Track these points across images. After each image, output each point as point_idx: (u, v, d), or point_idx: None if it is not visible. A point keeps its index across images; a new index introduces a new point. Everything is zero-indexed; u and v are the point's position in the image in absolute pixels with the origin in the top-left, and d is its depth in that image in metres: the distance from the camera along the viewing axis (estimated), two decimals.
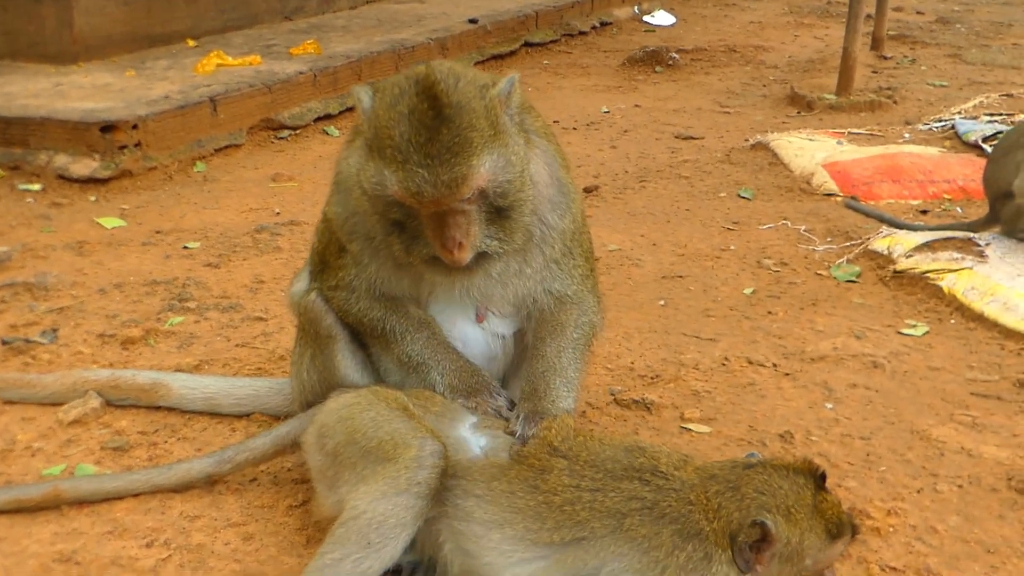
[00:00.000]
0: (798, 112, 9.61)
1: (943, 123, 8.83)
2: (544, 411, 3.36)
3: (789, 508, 2.92)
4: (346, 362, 3.70)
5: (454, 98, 3.14)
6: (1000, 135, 7.49)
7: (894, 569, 3.34)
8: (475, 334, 3.65)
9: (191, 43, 9.92)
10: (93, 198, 7.00)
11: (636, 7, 14.40)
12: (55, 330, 4.95)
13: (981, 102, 9.54)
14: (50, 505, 3.59)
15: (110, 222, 6.55)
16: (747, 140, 8.54)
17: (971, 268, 5.50)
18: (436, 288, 3.57)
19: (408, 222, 3.30)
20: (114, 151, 7.17)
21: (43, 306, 5.23)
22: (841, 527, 2.97)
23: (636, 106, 10.02)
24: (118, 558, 3.35)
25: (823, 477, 3.03)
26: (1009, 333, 5.03)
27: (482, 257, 3.35)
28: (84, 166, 7.14)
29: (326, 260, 3.69)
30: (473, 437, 3.27)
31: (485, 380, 3.53)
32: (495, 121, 3.23)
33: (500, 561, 3.01)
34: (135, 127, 7.30)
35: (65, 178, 7.15)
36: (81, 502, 3.62)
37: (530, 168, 3.40)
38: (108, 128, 7.19)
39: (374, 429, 3.14)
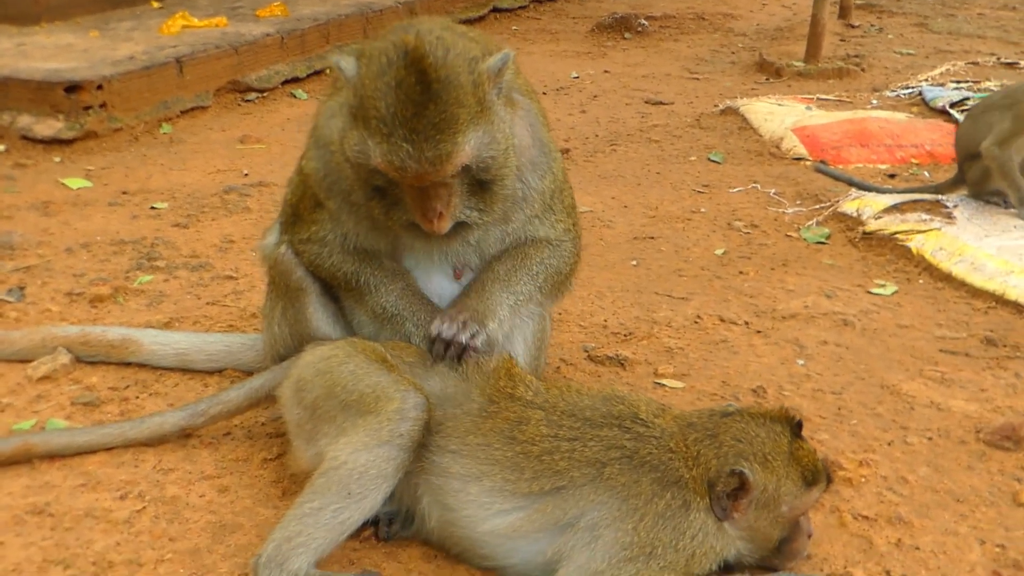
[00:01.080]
0: (767, 79, 9.64)
1: (910, 90, 8.88)
2: (465, 308, 3.36)
3: (766, 456, 2.96)
4: (317, 315, 3.69)
5: (442, 72, 3.10)
6: (969, 100, 7.56)
7: (866, 517, 3.38)
8: (452, 289, 3.63)
9: (155, 4, 9.80)
10: (58, 159, 6.92)
11: None
12: (22, 288, 4.90)
13: (948, 70, 9.60)
14: (21, 459, 3.56)
15: (75, 183, 6.48)
16: (716, 105, 8.56)
17: (939, 229, 5.55)
18: (415, 248, 3.56)
19: (389, 189, 3.28)
20: (79, 112, 7.09)
21: (9, 265, 5.17)
22: (817, 474, 3.01)
23: (605, 72, 10.02)
24: (92, 510, 3.34)
25: (799, 425, 3.06)
26: (976, 292, 5.09)
27: (461, 226, 3.35)
28: (48, 127, 7.05)
29: (299, 213, 3.66)
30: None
31: None
32: (482, 97, 3.19)
33: (479, 514, 3.02)
34: (100, 88, 7.21)
35: (29, 139, 7.07)
36: (53, 456, 3.59)
37: (514, 135, 3.37)
38: (72, 88, 7.10)
39: (354, 382, 3.12)
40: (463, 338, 3.27)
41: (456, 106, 3.11)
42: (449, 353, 3.27)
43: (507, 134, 3.29)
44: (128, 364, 4.23)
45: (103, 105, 7.24)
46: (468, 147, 3.15)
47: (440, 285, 3.62)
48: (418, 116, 3.08)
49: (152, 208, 6.10)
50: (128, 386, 4.11)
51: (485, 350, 3.34)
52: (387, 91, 3.10)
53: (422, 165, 3.10)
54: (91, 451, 3.63)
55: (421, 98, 3.08)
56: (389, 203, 3.32)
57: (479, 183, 3.28)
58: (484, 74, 3.20)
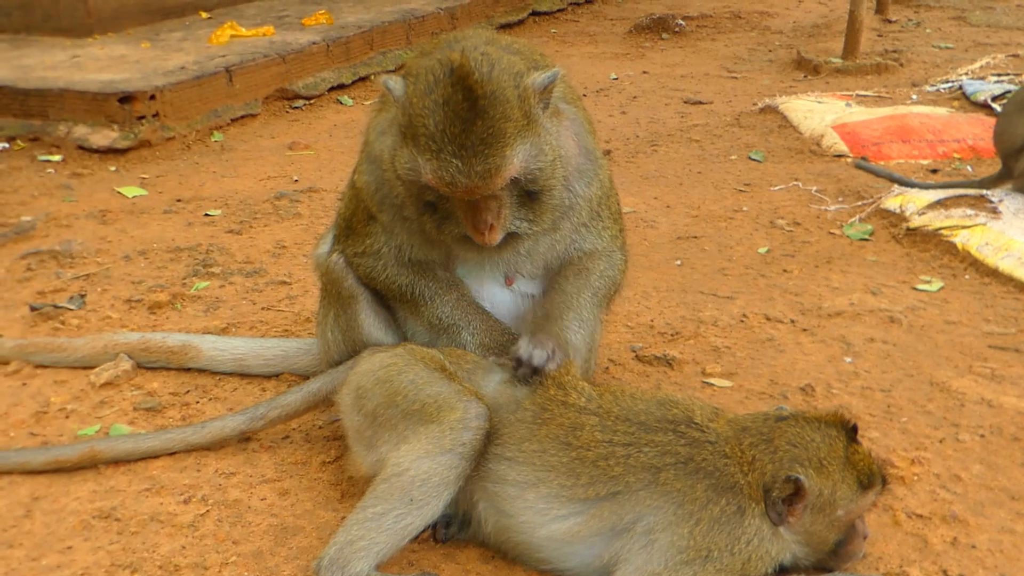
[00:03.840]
0: (805, 76, 9.64)
1: (950, 84, 8.85)
2: (552, 336, 3.39)
3: (821, 460, 2.97)
4: (369, 321, 3.76)
5: (488, 88, 3.15)
6: (1011, 93, 7.51)
7: (920, 516, 3.39)
8: (503, 296, 3.70)
9: (204, 15, 9.96)
10: (113, 168, 7.07)
11: None
12: (83, 296, 5.01)
13: (987, 63, 9.55)
14: (87, 465, 3.66)
15: (131, 191, 6.62)
16: (755, 104, 8.57)
17: (984, 224, 5.53)
18: (467, 259, 3.62)
19: (441, 204, 3.34)
20: (132, 121, 7.24)
21: (69, 273, 5.29)
22: (872, 478, 3.01)
23: (644, 73, 10.05)
24: (157, 514, 3.42)
25: (854, 429, 3.07)
26: None
27: (512, 236, 3.40)
28: (103, 136, 7.21)
29: (352, 227, 3.73)
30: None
31: (515, 337, 3.56)
32: (528, 110, 3.24)
33: (536, 520, 3.06)
34: (153, 98, 7.36)
35: (85, 148, 7.23)
36: (117, 461, 3.68)
37: (561, 145, 3.42)
38: (126, 99, 7.26)
39: (415, 392, 3.17)
40: (553, 367, 3.30)
41: (503, 120, 3.16)
42: (532, 379, 3.30)
43: (554, 145, 3.34)
44: (188, 369, 4.32)
45: (156, 115, 7.39)
46: (516, 160, 3.20)
47: (492, 292, 3.68)
48: (466, 132, 3.13)
49: (206, 215, 6.22)
50: (188, 391, 4.20)
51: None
52: (435, 109, 3.15)
53: (472, 180, 3.16)
54: (154, 456, 3.71)
55: (468, 114, 3.14)
56: (441, 217, 3.38)
57: (528, 194, 3.34)
58: (530, 88, 3.24)
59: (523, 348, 3.33)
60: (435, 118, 3.15)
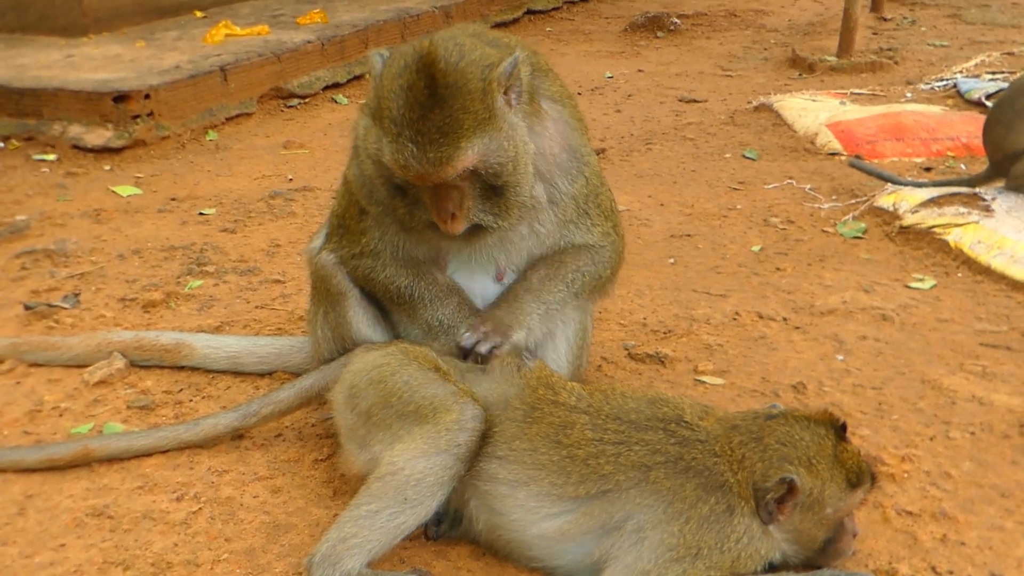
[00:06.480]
0: (799, 74, 9.65)
1: (945, 82, 8.86)
2: (498, 320, 3.47)
3: (811, 459, 2.98)
4: (358, 318, 3.76)
5: (451, 78, 3.19)
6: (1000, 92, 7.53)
7: (910, 513, 3.41)
8: (494, 289, 3.70)
9: (199, 14, 9.97)
10: (108, 167, 7.08)
11: None
12: (77, 295, 5.02)
13: (982, 61, 9.56)
14: (81, 463, 3.66)
15: (125, 190, 6.63)
16: (750, 102, 8.58)
17: (977, 222, 5.55)
18: (450, 250, 3.64)
19: (408, 188, 3.38)
20: (127, 120, 7.24)
21: (64, 272, 5.30)
22: (861, 475, 3.03)
23: (639, 71, 10.06)
24: (150, 512, 3.43)
25: (843, 427, 3.09)
26: (1016, 285, 5.09)
27: (479, 228, 3.43)
28: (98, 136, 7.21)
29: (346, 224, 3.74)
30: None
31: None
32: (491, 104, 3.26)
33: (527, 518, 3.07)
34: (147, 97, 7.36)
35: (79, 148, 7.24)
36: (111, 459, 3.69)
37: (539, 141, 3.45)
38: (121, 98, 7.26)
39: (409, 393, 3.18)
40: (483, 349, 3.38)
41: (462, 112, 3.20)
42: (471, 359, 3.38)
43: (517, 141, 3.34)
44: (181, 368, 4.33)
45: (151, 114, 7.40)
46: (471, 152, 3.23)
47: (483, 286, 3.69)
48: (424, 119, 3.18)
49: (200, 214, 6.23)
50: (182, 389, 4.21)
51: (526, 356, 3.43)
52: (399, 93, 3.21)
53: (423, 166, 3.20)
54: (147, 454, 3.72)
55: (428, 102, 3.18)
56: (410, 202, 3.42)
57: (492, 188, 3.36)
58: (495, 80, 3.26)
59: (459, 334, 3.46)
60: (398, 102, 3.21)
